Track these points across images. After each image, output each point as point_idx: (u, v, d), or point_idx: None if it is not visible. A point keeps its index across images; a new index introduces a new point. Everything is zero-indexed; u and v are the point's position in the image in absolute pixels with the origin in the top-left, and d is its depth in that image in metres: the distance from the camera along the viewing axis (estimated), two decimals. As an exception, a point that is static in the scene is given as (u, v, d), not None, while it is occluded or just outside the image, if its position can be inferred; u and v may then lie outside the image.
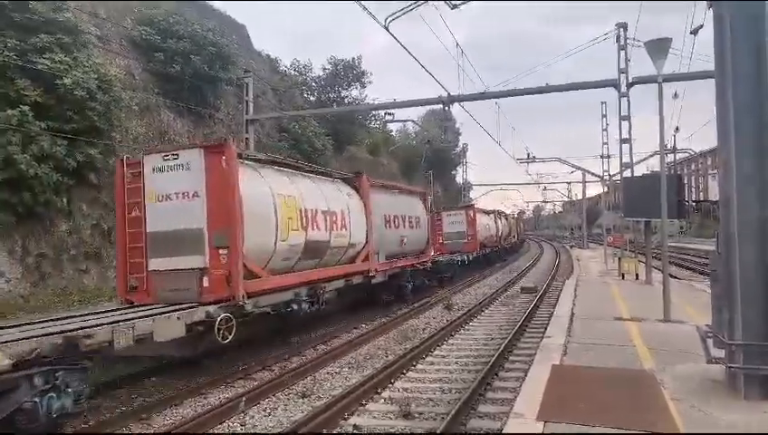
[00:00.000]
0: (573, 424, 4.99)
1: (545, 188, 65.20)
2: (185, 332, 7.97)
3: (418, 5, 14.78)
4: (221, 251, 9.06)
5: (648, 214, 14.49)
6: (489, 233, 34.60)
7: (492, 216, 37.93)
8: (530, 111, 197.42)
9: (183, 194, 9.38)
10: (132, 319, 7.63)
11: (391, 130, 54.88)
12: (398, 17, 14.89)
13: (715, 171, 29.19)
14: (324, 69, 36.78)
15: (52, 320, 8.18)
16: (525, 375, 7.20)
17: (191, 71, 21.73)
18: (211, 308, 8.61)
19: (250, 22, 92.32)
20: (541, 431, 4.85)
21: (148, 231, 9.62)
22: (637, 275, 18.46)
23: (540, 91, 19.27)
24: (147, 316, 7.89)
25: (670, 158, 38.21)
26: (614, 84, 17.96)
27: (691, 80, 17.56)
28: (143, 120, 20.09)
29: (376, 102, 34.81)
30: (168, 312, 8.25)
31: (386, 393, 8.27)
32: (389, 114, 25.85)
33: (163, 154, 9.72)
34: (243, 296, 9.12)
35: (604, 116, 28.71)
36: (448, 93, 19.19)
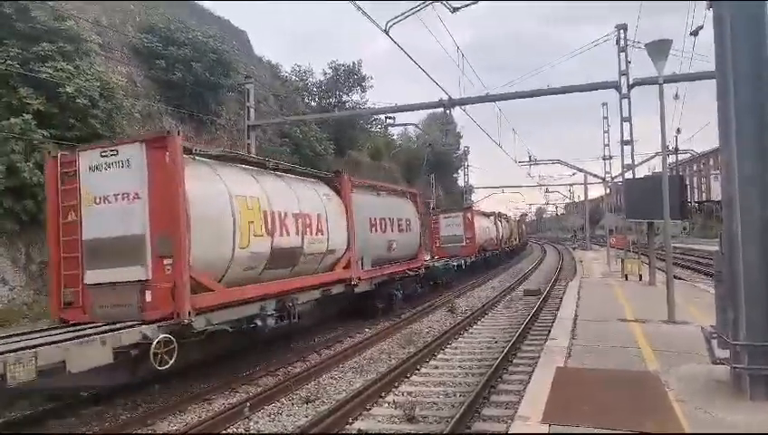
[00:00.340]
0: (578, 426, 4.99)
1: (548, 191, 65.09)
2: (112, 358, 6.76)
3: (419, 9, 14.84)
4: (165, 261, 7.87)
5: (651, 215, 14.49)
6: (489, 236, 33.42)
7: (492, 218, 36.86)
8: (531, 114, 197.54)
9: (123, 195, 8.18)
10: (53, 343, 6.43)
11: (393, 134, 54.97)
12: (398, 21, 14.95)
13: (718, 172, 29.14)
14: (325, 74, 36.90)
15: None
16: (529, 378, 7.20)
17: (192, 77, 21.85)
18: (148, 329, 7.34)
19: (250, 25, 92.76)
20: (546, 433, 4.86)
21: (83, 238, 8.41)
22: (640, 276, 18.40)
23: (540, 93, 19.25)
24: (67, 340, 6.61)
25: (672, 159, 38.20)
26: (615, 86, 18.01)
27: (692, 81, 17.56)
28: (145, 128, 20.12)
29: (377, 107, 34.85)
30: (97, 333, 7.01)
31: (390, 397, 8.27)
32: (390, 118, 25.79)
33: (101, 150, 8.50)
34: (189, 313, 7.88)
35: (605, 118, 28.81)
36: (449, 97, 19.25)
